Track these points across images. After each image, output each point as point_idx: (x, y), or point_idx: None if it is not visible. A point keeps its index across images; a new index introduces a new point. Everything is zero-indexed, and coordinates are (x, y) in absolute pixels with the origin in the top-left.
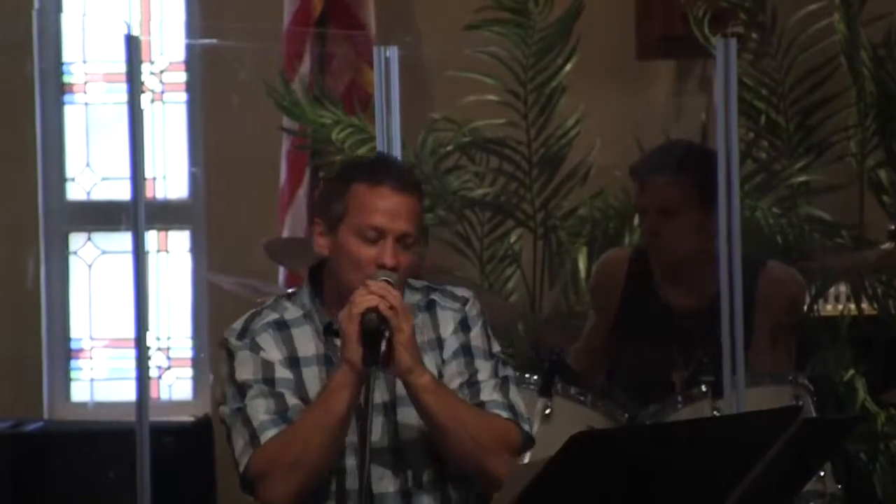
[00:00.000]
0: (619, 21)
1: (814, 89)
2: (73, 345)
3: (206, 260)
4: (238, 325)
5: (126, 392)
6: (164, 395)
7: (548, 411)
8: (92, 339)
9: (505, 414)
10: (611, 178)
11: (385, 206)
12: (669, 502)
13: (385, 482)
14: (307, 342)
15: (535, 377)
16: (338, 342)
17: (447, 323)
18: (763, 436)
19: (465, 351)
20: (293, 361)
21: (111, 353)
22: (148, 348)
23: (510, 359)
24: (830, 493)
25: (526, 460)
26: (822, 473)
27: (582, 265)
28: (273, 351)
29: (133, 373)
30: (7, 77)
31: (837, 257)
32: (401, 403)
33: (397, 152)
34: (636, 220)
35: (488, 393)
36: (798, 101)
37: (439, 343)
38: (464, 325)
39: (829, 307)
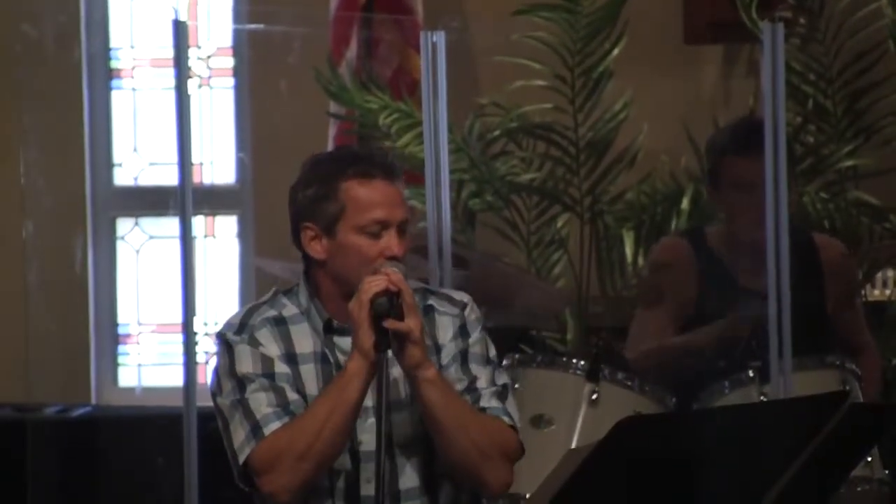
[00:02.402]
0: (666, 6)
1: (862, 73)
2: (121, 330)
3: (254, 245)
4: (235, 319)
5: (173, 377)
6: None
7: (595, 396)
8: (139, 324)
9: (506, 420)
10: (658, 162)
11: (382, 199)
12: (716, 488)
13: (374, 485)
14: (305, 339)
15: (583, 362)
16: (336, 340)
17: (446, 329)
18: (810, 421)
19: (464, 357)
20: (291, 358)
21: (159, 339)
22: (195, 333)
23: (559, 344)
24: (878, 478)
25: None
26: (869, 458)
27: (629, 250)
28: (271, 346)
29: (180, 358)
30: (55, 62)
31: (885, 242)
32: (395, 407)
33: (444, 137)
34: (684, 204)
35: (487, 399)
36: (846, 86)
37: (437, 349)
38: (463, 331)
39: (876, 292)
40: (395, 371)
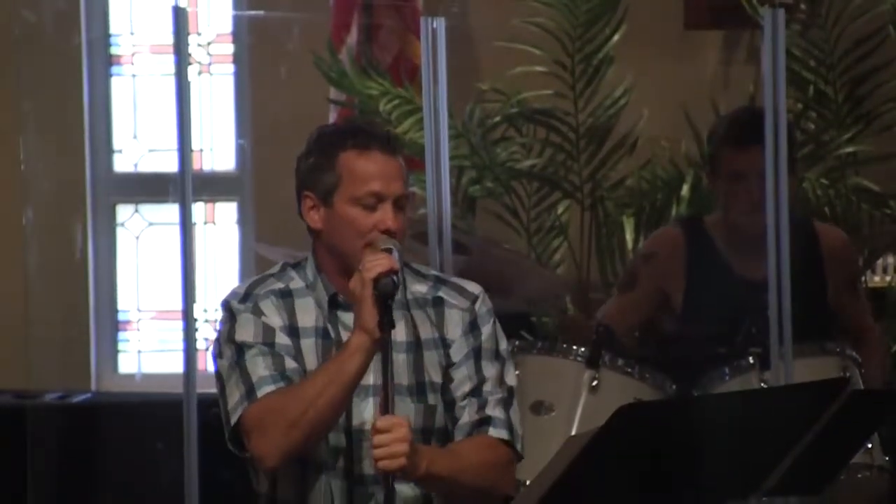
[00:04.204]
0: None
1: (862, 59)
2: (121, 317)
3: (253, 231)
4: (241, 288)
5: (173, 364)
6: (212, 367)
7: (595, 383)
8: (139, 310)
9: (505, 434)
10: (658, 148)
11: (379, 171)
12: (716, 474)
13: (370, 461)
14: (308, 314)
15: (583, 349)
16: (340, 315)
17: (455, 324)
18: (810, 408)
19: (476, 354)
20: (293, 331)
21: (158, 325)
22: (195, 320)
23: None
24: (878, 464)
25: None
26: (869, 445)
27: (629, 236)
28: (274, 318)
29: (180, 344)
30: (55, 48)
31: (885, 228)
32: (399, 391)
33: (444, 123)
34: (684, 191)
35: (492, 407)
36: (846, 72)
37: (444, 342)
38: (473, 326)
39: (876, 279)
40: (399, 357)
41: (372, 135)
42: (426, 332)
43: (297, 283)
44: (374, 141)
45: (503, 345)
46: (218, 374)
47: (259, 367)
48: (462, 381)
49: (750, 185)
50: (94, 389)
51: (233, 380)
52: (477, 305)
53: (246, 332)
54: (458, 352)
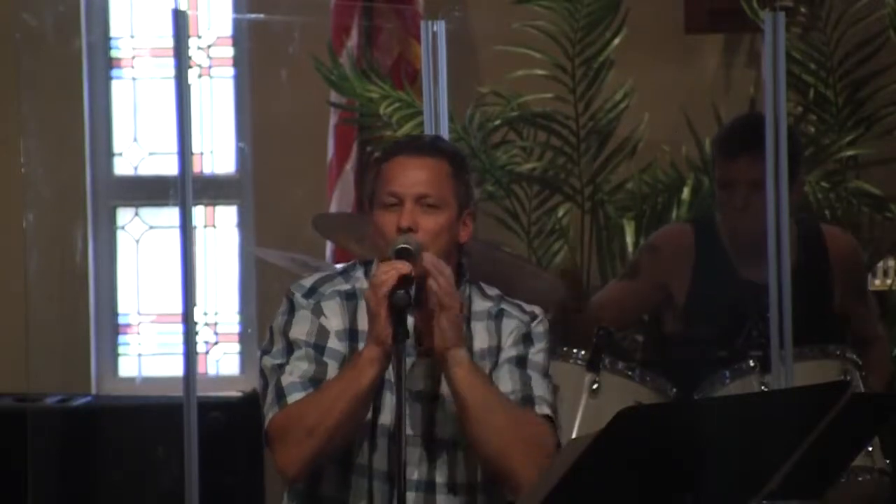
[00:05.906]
0: None
1: (863, 63)
2: (121, 320)
3: (254, 235)
4: (307, 282)
5: (173, 367)
6: (212, 371)
7: (595, 386)
8: (139, 314)
9: (548, 411)
10: (659, 151)
11: (399, 172)
12: (717, 478)
13: (409, 469)
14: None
15: (583, 352)
16: None
17: (508, 332)
18: (811, 411)
19: (522, 363)
20: (353, 334)
21: (159, 329)
22: (195, 323)
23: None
24: (879, 468)
25: None
26: (870, 449)
27: (630, 239)
28: (335, 319)
29: (180, 348)
30: (55, 51)
31: (886, 231)
32: (441, 402)
33: (445, 127)
34: (685, 194)
35: (539, 402)
36: (847, 75)
37: (499, 350)
38: (526, 339)
39: (877, 282)
40: (459, 371)
41: (407, 143)
42: (481, 342)
43: (363, 283)
44: (404, 147)
45: (550, 369)
46: (262, 371)
47: (297, 372)
48: (503, 385)
49: (736, 194)
50: (94, 393)
51: (273, 381)
52: (534, 323)
53: (301, 329)
54: (504, 356)
